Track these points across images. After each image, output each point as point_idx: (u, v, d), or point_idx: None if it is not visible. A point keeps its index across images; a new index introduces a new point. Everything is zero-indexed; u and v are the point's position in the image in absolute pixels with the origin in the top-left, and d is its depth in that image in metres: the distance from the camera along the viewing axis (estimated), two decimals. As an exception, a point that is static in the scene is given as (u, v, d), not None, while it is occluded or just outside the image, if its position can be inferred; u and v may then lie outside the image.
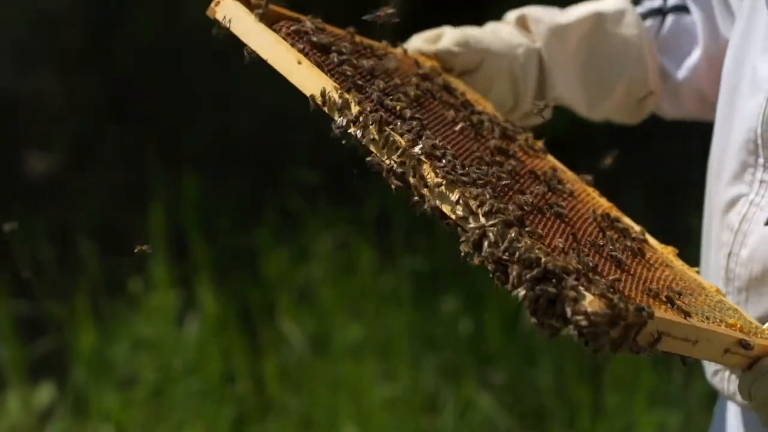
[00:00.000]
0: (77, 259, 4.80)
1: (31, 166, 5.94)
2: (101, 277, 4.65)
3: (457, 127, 1.88)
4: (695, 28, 2.16)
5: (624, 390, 4.15)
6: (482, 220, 1.61)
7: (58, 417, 4.30)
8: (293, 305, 4.60)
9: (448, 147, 1.76)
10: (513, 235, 1.57)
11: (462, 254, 1.61)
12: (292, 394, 4.29)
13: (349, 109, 1.76)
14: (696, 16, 2.15)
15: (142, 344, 4.50)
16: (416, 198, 1.69)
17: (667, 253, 1.91)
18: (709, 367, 2.03)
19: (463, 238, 1.61)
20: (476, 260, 1.59)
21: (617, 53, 2.17)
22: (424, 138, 1.73)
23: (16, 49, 6.01)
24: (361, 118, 1.75)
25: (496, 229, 1.59)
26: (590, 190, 1.98)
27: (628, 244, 1.83)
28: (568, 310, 1.50)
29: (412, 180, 1.69)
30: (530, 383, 4.29)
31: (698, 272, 1.94)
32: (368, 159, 1.73)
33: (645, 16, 2.19)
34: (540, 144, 2.04)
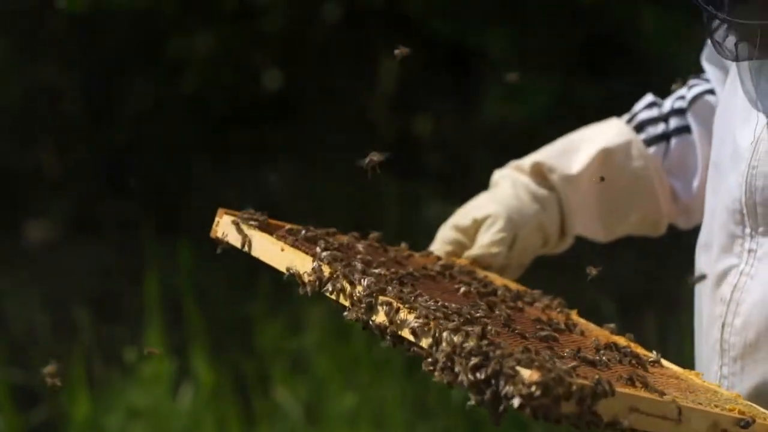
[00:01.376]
0: (72, 328, 4.80)
1: (29, 234, 5.96)
2: (96, 346, 4.66)
3: (460, 292, 1.88)
4: (697, 144, 2.18)
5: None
6: (436, 332, 1.62)
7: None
8: (287, 373, 4.61)
9: (425, 293, 1.75)
10: (459, 339, 1.59)
11: (426, 371, 1.62)
12: (287, 462, 4.28)
13: (322, 270, 1.80)
14: (696, 132, 2.17)
15: (136, 413, 4.49)
16: (387, 339, 1.70)
17: (687, 375, 1.84)
18: None
19: (422, 356, 1.63)
20: (437, 376, 1.60)
21: (628, 188, 2.20)
22: (394, 286, 1.74)
23: (15, 120, 6.05)
24: (333, 276, 1.78)
25: (445, 336, 1.60)
26: (615, 338, 1.90)
27: (623, 357, 1.77)
28: (508, 387, 1.49)
29: (374, 318, 1.71)
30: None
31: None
32: (344, 314, 1.76)
33: (649, 143, 2.20)
34: (572, 312, 1.98)
